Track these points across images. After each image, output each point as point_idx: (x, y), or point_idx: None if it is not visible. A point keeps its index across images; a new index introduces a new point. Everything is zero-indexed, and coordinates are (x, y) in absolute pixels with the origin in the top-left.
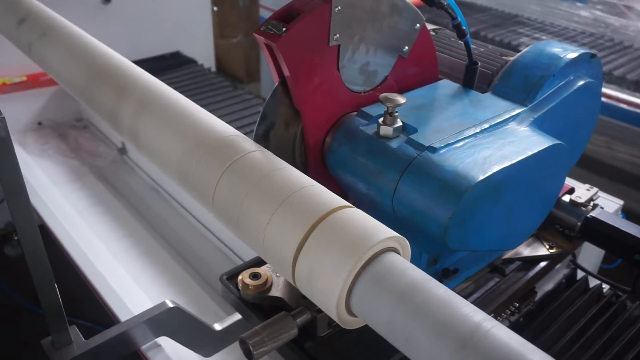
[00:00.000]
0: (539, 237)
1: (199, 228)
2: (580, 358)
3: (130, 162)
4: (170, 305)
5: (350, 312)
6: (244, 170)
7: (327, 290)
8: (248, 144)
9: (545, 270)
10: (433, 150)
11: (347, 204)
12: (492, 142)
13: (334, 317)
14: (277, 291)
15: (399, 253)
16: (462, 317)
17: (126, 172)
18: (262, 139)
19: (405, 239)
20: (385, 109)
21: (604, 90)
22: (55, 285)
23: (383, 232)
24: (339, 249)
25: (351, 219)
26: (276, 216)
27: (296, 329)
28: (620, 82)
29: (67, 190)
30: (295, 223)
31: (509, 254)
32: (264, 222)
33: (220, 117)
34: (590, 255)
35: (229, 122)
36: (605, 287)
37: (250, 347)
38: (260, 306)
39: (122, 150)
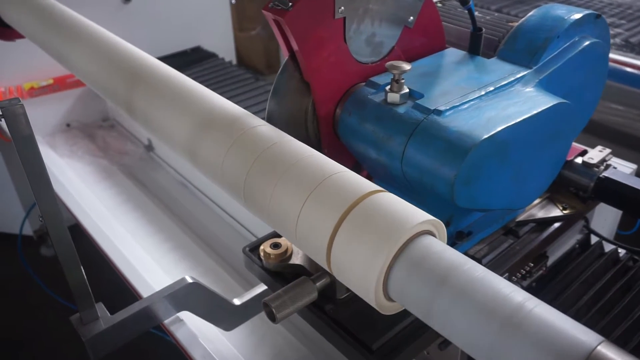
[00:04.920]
0: (552, 199)
1: (229, 221)
2: (599, 322)
3: (157, 159)
4: (190, 280)
5: (388, 297)
6: (273, 159)
7: (364, 277)
8: (274, 133)
9: (558, 232)
10: (439, 113)
11: (380, 188)
12: (496, 103)
13: (372, 304)
14: (297, 259)
15: (434, 236)
16: (503, 297)
17: (154, 169)
18: (274, 113)
19: (440, 221)
20: (392, 77)
21: (628, 59)
22: (81, 265)
23: (418, 216)
24: (374, 234)
25: (385, 204)
26: (308, 205)
27: (316, 292)
28: None
29: (98, 189)
30: (328, 210)
31: (522, 216)
32: (296, 211)
33: (244, 108)
34: (604, 221)
35: (253, 114)
36: (622, 252)
37: (273, 310)
38: (282, 274)
39: (149, 147)
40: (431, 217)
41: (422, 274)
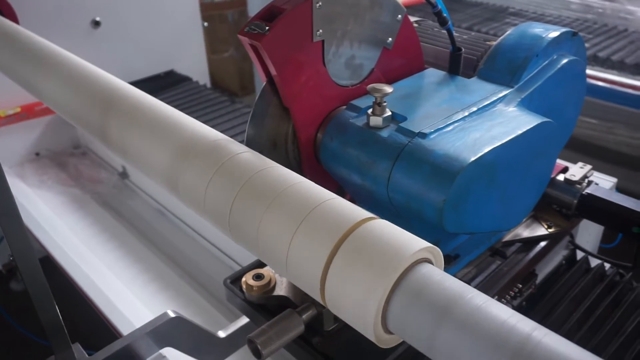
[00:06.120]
0: (537, 218)
1: (210, 249)
2: (591, 340)
3: (132, 186)
4: (172, 315)
5: (387, 330)
6: (259, 188)
7: (362, 310)
8: (259, 161)
9: (545, 250)
10: (423, 136)
11: (372, 215)
12: (481, 124)
13: (371, 337)
14: (281, 290)
15: (432, 263)
16: (509, 328)
17: (129, 197)
18: (254, 139)
19: (437, 247)
20: (374, 100)
21: (602, 74)
22: (54, 302)
23: (415, 243)
24: (371, 264)
25: (379, 231)
26: (299, 235)
27: (303, 325)
28: (621, 67)
29: (71, 220)
30: (320, 240)
31: (508, 236)
32: (286, 242)
33: (222, 132)
34: (588, 236)
35: (232, 137)
36: (607, 265)
37: (259, 346)
38: (265, 306)
39: (124, 175)
40: (428, 244)
41: (423, 305)
